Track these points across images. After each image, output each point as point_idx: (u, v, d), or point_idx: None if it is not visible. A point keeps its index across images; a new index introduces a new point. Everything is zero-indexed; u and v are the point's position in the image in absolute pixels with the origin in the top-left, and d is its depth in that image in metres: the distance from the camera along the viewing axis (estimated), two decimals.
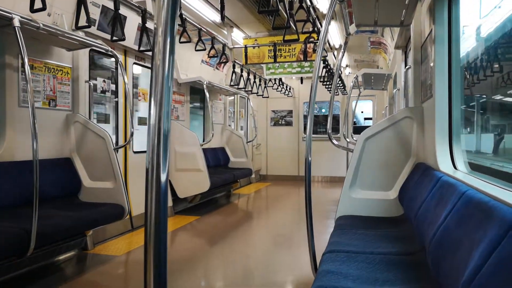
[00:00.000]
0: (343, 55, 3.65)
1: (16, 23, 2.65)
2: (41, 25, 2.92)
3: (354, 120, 9.62)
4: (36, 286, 2.91)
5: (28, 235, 2.48)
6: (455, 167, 2.48)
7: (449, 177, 2.06)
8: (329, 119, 3.38)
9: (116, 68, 4.78)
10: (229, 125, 8.37)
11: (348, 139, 6.53)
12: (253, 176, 8.58)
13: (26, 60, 2.64)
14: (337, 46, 7.26)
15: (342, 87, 8.93)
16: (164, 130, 0.76)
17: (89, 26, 3.41)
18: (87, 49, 4.04)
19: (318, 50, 2.40)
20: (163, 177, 0.75)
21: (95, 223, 3.30)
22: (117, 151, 4.04)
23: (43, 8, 2.90)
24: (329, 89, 8.52)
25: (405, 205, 2.73)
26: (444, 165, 2.46)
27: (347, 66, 9.07)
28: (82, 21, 3.65)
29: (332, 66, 7.17)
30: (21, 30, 2.70)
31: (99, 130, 3.76)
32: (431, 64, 2.76)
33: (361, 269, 1.84)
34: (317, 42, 5.46)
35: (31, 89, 2.65)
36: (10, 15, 2.66)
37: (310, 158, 2.38)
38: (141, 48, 4.25)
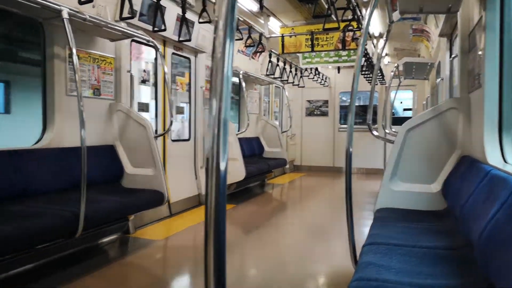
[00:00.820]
0: (385, 43, 3.55)
1: (65, 15, 2.76)
2: (88, 17, 3.03)
3: (393, 110, 9.37)
4: (82, 267, 3.06)
5: (77, 218, 2.61)
6: (505, 161, 2.37)
7: (499, 171, 1.97)
8: (370, 110, 3.31)
9: (156, 58, 4.88)
10: (264, 115, 8.38)
11: (387, 130, 6.37)
12: (287, 166, 8.57)
13: (74, 50, 2.74)
14: (376, 34, 7.05)
15: (380, 77, 8.69)
16: (224, 120, 0.78)
17: (132, 17, 3.51)
18: (129, 40, 4.15)
19: (361, 39, 2.35)
20: (222, 166, 0.77)
21: (137, 208, 3.43)
22: (157, 139, 4.16)
23: (91, 0, 3.00)
24: (367, 78, 8.32)
25: (450, 199, 2.64)
26: (493, 158, 2.35)
27: (386, 55, 8.81)
28: (125, 12, 3.76)
29: (371, 55, 6.99)
30: (69, 21, 2.82)
31: (140, 118, 3.88)
32: (480, 53, 2.63)
33: (403, 262, 1.81)
34: (357, 30, 5.34)
35: (79, 79, 2.76)
36: (59, 7, 2.77)
37: (351, 149, 2.34)
38: (181, 38, 4.30)
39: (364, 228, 4.13)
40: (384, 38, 3.51)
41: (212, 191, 0.77)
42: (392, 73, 5.92)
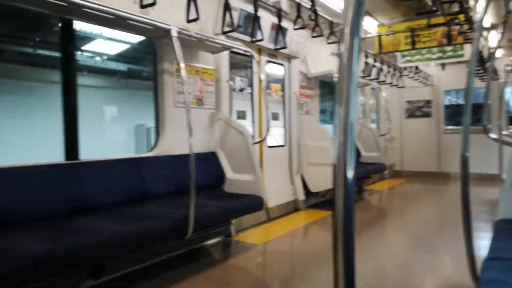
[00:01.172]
0: (502, 36, 3.18)
1: (174, 33, 3.00)
2: (194, 33, 3.26)
3: (507, 109, 8.33)
4: (190, 267, 3.27)
5: (187, 221, 2.80)
6: None
7: None
8: (486, 110, 2.98)
9: (251, 67, 5.04)
10: (360, 118, 8.10)
11: (504, 132, 5.68)
12: (386, 171, 8.15)
13: (182, 65, 2.96)
14: (487, 26, 6.36)
15: (493, 72, 7.80)
16: (350, 127, 0.76)
17: (234, 30, 3.68)
18: (227, 51, 4.36)
19: (476, 33, 2.13)
20: (349, 174, 0.76)
21: (239, 212, 3.57)
22: (255, 146, 4.28)
23: (197, 19, 3.23)
24: (477, 74, 7.54)
25: None
26: None
27: (499, 47, 7.89)
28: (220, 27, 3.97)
29: (480, 48, 6.32)
30: (177, 39, 3.06)
31: (239, 126, 4.03)
32: None
33: None
34: (464, 23, 4.87)
35: (186, 91, 2.97)
36: (169, 27, 3.02)
37: (467, 154, 2.13)
38: (276, 47, 4.39)
39: (480, 240, 3.72)
40: (500, 30, 3.15)
41: (340, 199, 0.76)
42: (510, 68, 5.26)
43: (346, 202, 0.75)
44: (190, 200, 2.78)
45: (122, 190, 3.14)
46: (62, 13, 2.89)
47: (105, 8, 2.65)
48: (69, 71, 3.09)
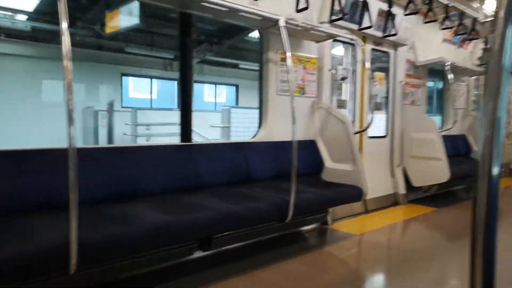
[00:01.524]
0: None
1: (282, 23, 3.10)
2: (300, 23, 3.32)
3: None
4: (287, 250, 3.40)
5: (287, 205, 2.92)
6: None
7: None
8: None
9: (354, 56, 4.92)
10: (472, 110, 7.37)
11: None
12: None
13: (288, 54, 3.05)
14: None
15: None
16: (498, 121, 0.73)
17: (341, 18, 3.66)
18: (331, 40, 4.33)
19: None
20: (495, 170, 0.73)
21: (337, 201, 3.58)
22: (355, 136, 4.21)
23: (306, 8, 3.28)
24: None
25: None
26: None
27: None
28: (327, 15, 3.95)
29: None
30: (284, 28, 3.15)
31: (340, 115, 4.01)
32: None
33: None
34: None
35: (292, 80, 3.06)
36: (277, 17, 3.12)
37: None
38: (385, 34, 4.23)
39: None
40: None
41: (483, 197, 0.73)
42: None
43: (489, 200, 0.72)
44: (291, 185, 2.89)
45: (228, 171, 3.38)
46: (182, 7, 3.18)
47: (221, 2, 2.85)
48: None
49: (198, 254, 3.01)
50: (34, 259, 1.80)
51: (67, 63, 1.82)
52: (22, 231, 2.00)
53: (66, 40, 1.83)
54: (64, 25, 1.84)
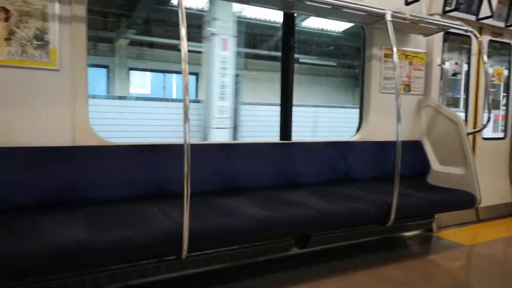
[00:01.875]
0: None
1: (388, 17, 2.96)
2: (408, 16, 3.13)
3: None
4: (387, 254, 3.26)
5: (389, 208, 2.79)
6: None
7: None
8: None
9: (469, 49, 4.48)
10: None
11: None
12: None
13: (395, 49, 2.90)
14: None
15: None
16: None
17: (457, 9, 3.38)
18: (442, 33, 4.00)
19: None
20: None
21: (445, 207, 3.31)
22: (468, 137, 3.85)
23: (417, 0, 3.09)
24: None
25: None
26: None
27: None
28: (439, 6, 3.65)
29: None
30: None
31: (451, 114, 3.69)
32: None
33: None
34: None
35: (398, 76, 2.91)
36: (384, 11, 2.99)
37: None
38: (507, 23, 3.78)
39: None
40: None
41: None
42: None
43: None
44: (394, 187, 2.76)
45: (327, 171, 3.35)
46: (285, 8, 3.23)
47: (325, 0, 2.82)
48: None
49: (294, 251, 3.04)
50: (149, 243, 2.00)
51: (185, 66, 1.99)
52: (138, 216, 2.23)
53: (184, 45, 2.00)
54: (183, 31, 2.00)
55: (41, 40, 2.35)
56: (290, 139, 3.44)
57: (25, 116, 2.33)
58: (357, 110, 3.91)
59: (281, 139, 3.46)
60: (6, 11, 2.25)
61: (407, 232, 3.69)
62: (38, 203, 2.24)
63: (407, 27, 3.51)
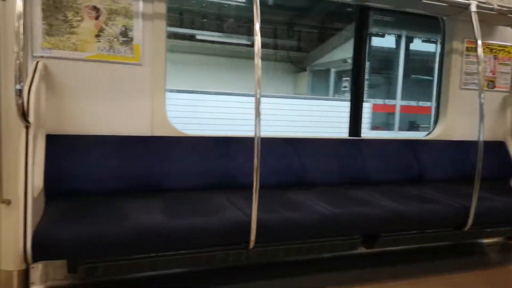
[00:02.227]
0: None
1: (473, 8, 2.75)
2: (496, 6, 2.90)
3: None
4: (462, 261, 3.09)
5: (467, 212, 2.62)
6: None
7: None
8: None
9: None
10: None
11: None
12: None
13: (479, 43, 2.70)
14: None
15: None
16: None
17: None
18: None
19: None
20: None
21: None
22: None
23: None
24: None
25: None
26: None
27: None
28: None
29: None
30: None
31: None
32: None
33: None
34: None
35: (482, 72, 2.70)
36: (468, 2, 2.79)
37: None
38: None
39: None
40: None
41: None
42: None
43: None
44: (474, 190, 2.59)
45: (398, 169, 3.23)
46: (359, 0, 3.15)
47: None
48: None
49: (360, 250, 2.98)
50: (220, 231, 2.08)
51: (258, 60, 2.03)
52: (210, 205, 2.33)
53: (258, 40, 2.04)
54: (257, 25, 2.04)
55: (126, 36, 2.53)
56: (359, 135, 3.36)
57: (111, 107, 2.53)
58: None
59: (349, 135, 3.39)
60: (97, 9, 2.45)
61: (485, 238, 3.44)
62: (122, 188, 2.43)
63: (493, 18, 3.25)
